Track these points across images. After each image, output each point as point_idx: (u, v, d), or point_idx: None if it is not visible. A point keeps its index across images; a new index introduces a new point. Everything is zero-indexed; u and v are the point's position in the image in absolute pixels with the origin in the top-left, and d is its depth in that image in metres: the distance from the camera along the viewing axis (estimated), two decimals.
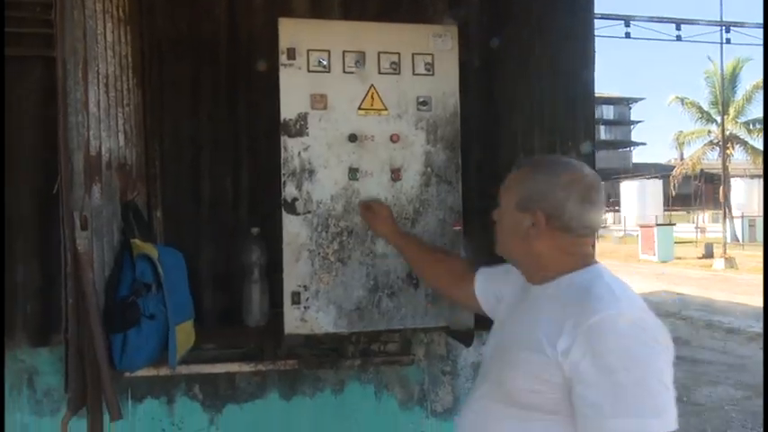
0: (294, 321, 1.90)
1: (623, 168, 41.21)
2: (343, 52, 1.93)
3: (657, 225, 19.08)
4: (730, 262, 15.70)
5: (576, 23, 1.71)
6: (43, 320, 2.15)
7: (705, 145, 27.37)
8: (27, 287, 2.14)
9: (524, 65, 2.07)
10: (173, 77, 2.27)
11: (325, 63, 1.92)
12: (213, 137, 2.31)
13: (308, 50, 1.91)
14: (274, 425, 2.34)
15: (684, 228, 25.84)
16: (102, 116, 1.67)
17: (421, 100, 1.97)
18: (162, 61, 2.25)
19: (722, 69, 20.63)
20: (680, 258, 17.73)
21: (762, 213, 19.11)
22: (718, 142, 24.50)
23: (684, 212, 34.47)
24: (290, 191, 1.91)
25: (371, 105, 1.95)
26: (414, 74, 1.97)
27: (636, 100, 47.85)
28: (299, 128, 1.90)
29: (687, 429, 4.19)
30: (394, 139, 1.95)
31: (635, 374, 0.97)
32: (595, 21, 1.71)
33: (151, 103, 2.17)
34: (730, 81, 24.37)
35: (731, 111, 24.59)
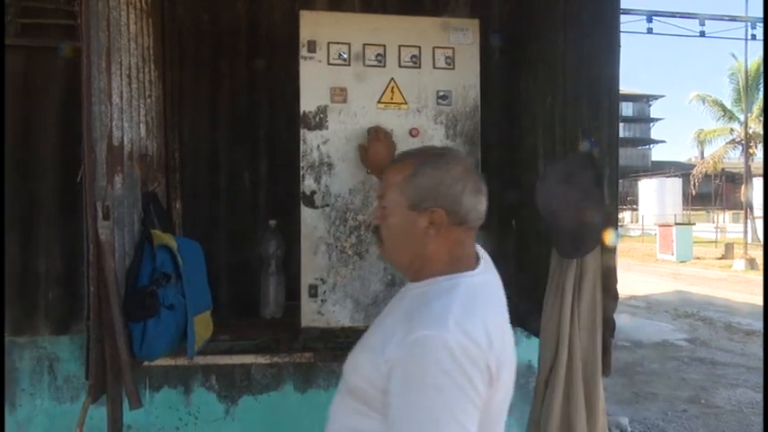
0: (311, 314, 1.90)
1: (642, 166, 40.69)
2: (364, 45, 1.92)
3: (676, 224, 18.82)
4: (751, 263, 15.42)
5: (601, 16, 1.67)
6: (64, 309, 2.19)
7: (727, 143, 26.89)
8: (49, 275, 2.18)
9: (547, 59, 2.04)
10: (193, 70, 2.28)
11: (345, 56, 1.91)
12: (232, 129, 2.32)
13: (329, 43, 1.90)
14: (289, 417, 2.35)
15: (704, 227, 25.48)
16: (124, 107, 1.68)
17: (441, 94, 1.96)
18: (182, 53, 2.26)
19: (746, 66, 20.23)
20: (699, 258, 17.47)
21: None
22: (740, 141, 24.05)
23: (704, 212, 33.96)
24: (308, 184, 1.90)
25: (391, 99, 1.94)
26: (434, 67, 1.95)
27: (656, 97, 47.17)
28: (318, 121, 1.90)
29: None
30: (413, 133, 1.93)
31: (426, 400, 0.93)
32: None
33: (171, 94, 2.19)
34: (755, 78, 23.88)
35: (754, 109, 24.11)
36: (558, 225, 1.73)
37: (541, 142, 2.07)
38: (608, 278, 1.67)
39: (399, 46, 1.93)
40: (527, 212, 2.14)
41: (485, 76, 1.99)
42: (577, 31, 1.85)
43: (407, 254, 1.12)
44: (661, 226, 19.19)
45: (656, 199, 29.99)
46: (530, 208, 2.03)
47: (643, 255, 18.43)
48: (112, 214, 1.52)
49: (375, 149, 1.79)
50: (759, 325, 7.69)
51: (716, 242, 21.82)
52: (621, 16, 1.75)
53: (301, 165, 1.91)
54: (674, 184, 30.33)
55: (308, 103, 1.90)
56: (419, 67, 1.95)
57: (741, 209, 21.99)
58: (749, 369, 5.70)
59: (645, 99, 46.52)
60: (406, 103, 1.94)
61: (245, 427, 2.34)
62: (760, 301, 9.68)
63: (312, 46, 1.90)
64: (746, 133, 21.83)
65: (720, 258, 17.56)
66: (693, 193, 27.92)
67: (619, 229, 1.83)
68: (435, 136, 1.96)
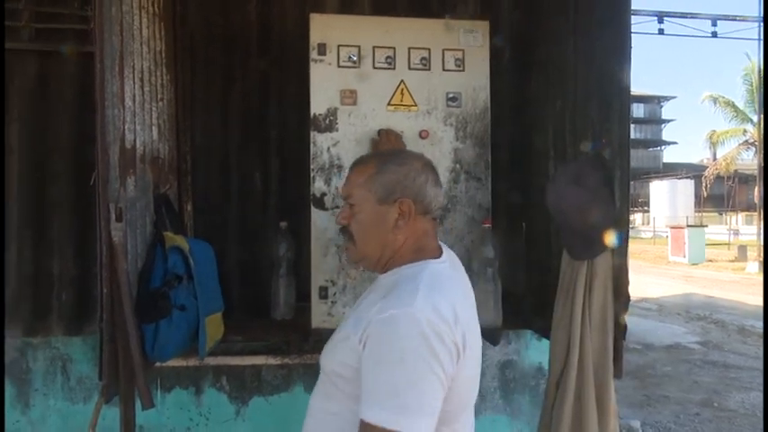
0: (321, 316, 1.91)
1: (654, 168, 40.37)
2: (374, 48, 1.93)
3: (688, 226, 18.64)
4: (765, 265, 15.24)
5: (612, 17, 1.67)
6: (77, 310, 2.21)
7: (740, 144, 26.61)
8: (62, 277, 2.20)
9: (556, 61, 2.04)
10: (204, 73, 2.30)
11: (355, 58, 1.92)
12: (243, 132, 2.34)
13: (339, 46, 1.91)
14: (299, 418, 2.35)
15: (716, 229, 25.19)
16: (137, 110, 1.70)
17: (451, 96, 1.96)
18: (194, 57, 2.28)
19: (760, 66, 20.03)
20: (711, 261, 17.29)
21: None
22: (753, 142, 23.78)
23: (716, 214, 33.63)
24: (318, 186, 1.91)
25: (401, 101, 1.94)
26: (444, 69, 1.96)
27: (667, 98, 46.78)
28: (328, 123, 1.91)
29: None
30: (423, 135, 1.94)
31: (394, 372, 1.00)
32: None
33: (183, 98, 2.20)
34: None
35: None
36: (568, 226, 1.73)
37: (552, 144, 2.06)
38: (619, 280, 1.66)
39: (409, 48, 1.94)
40: (537, 214, 2.14)
41: (495, 78, 1.99)
42: (588, 32, 1.85)
43: (378, 246, 1.19)
44: (673, 228, 19.02)
45: (667, 201, 29.74)
46: (540, 209, 2.03)
47: (654, 257, 18.27)
48: (125, 216, 1.54)
49: None
50: None
51: (729, 244, 21.59)
52: (632, 17, 1.75)
53: (311, 167, 1.91)
54: (685, 186, 30.05)
55: (318, 106, 1.91)
56: (429, 69, 1.95)
57: (754, 210, 21.75)
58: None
59: (656, 100, 46.16)
60: (415, 105, 1.95)
61: (255, 428, 2.35)
62: None
63: (322, 48, 1.91)
64: (760, 134, 21.58)
65: (733, 261, 17.36)
66: (705, 194, 27.65)
67: (630, 231, 1.82)
68: (445, 138, 1.96)
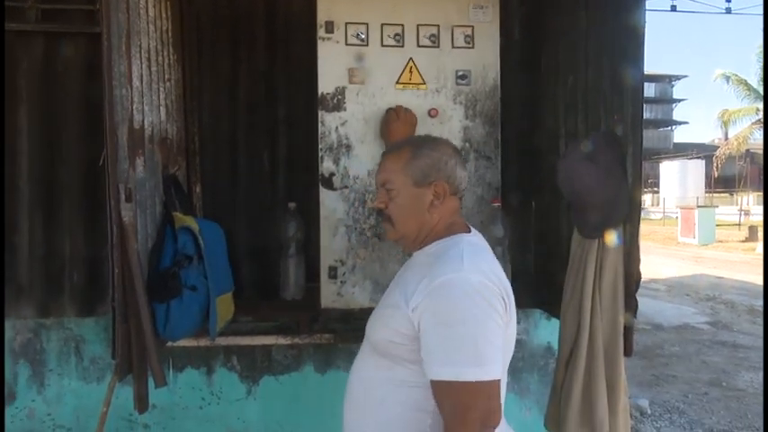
0: (330, 296, 1.91)
1: (664, 148, 39.93)
2: (382, 25, 1.90)
3: (698, 207, 18.47)
4: None
5: None
6: (89, 291, 2.23)
7: (753, 123, 26.20)
8: (73, 258, 2.22)
9: (568, 37, 2.00)
10: (211, 53, 2.28)
11: (363, 36, 1.89)
12: (250, 112, 2.32)
13: (346, 23, 1.89)
14: (309, 397, 2.38)
15: (727, 210, 24.95)
16: (144, 90, 1.69)
17: (460, 74, 1.94)
18: (201, 37, 2.26)
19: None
20: (721, 242, 17.16)
21: None
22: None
23: (727, 194, 33.29)
24: (327, 166, 1.91)
25: (410, 79, 1.92)
26: (453, 47, 1.93)
27: (678, 77, 46.05)
28: (336, 102, 1.89)
29: (728, 414, 4.10)
30: (432, 113, 1.92)
31: (462, 329, 1.10)
32: None
33: (190, 78, 2.19)
34: None
35: None
36: (579, 205, 1.71)
37: (563, 122, 2.03)
38: (630, 258, 1.65)
39: (418, 25, 1.91)
40: (548, 193, 2.12)
41: (504, 54, 1.96)
42: (600, 6, 1.81)
43: (416, 226, 1.28)
44: (683, 209, 18.87)
45: (677, 181, 29.46)
46: (550, 188, 2.01)
47: (664, 238, 18.16)
48: (135, 197, 1.54)
49: (396, 129, 1.81)
50: None
51: (739, 225, 21.40)
52: None
53: (320, 147, 1.90)
54: (696, 167, 29.73)
55: (325, 85, 1.89)
56: (438, 47, 1.93)
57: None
58: None
59: (667, 79, 45.46)
60: (424, 84, 1.92)
61: (266, 407, 2.37)
62: None
63: (330, 26, 1.88)
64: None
65: (744, 241, 17.22)
66: (716, 175, 27.36)
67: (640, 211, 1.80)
68: (454, 116, 1.94)
